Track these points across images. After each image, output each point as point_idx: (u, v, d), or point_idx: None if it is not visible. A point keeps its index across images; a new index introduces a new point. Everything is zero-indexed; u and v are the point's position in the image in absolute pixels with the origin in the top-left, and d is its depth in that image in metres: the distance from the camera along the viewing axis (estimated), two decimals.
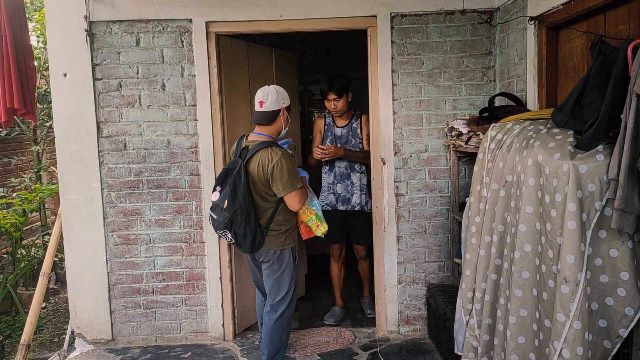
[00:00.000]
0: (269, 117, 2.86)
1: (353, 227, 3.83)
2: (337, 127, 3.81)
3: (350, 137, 3.79)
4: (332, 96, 3.65)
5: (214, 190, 2.85)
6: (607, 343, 1.85)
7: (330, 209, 3.80)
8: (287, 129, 2.99)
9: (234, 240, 2.83)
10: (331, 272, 3.96)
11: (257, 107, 2.88)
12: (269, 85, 2.92)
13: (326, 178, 3.81)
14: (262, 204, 2.84)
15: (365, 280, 4.05)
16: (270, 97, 2.84)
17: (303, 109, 7.83)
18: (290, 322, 3.06)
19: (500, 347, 2.20)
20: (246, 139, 2.94)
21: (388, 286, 3.56)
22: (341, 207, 3.79)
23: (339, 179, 3.78)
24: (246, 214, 2.75)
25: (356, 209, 3.77)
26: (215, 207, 2.84)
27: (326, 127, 3.82)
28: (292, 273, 2.97)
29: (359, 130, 3.79)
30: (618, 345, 1.84)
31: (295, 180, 2.79)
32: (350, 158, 3.72)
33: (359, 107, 3.84)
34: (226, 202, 2.75)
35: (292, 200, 2.82)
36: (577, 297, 1.78)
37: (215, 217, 2.83)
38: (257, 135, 2.90)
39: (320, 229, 2.98)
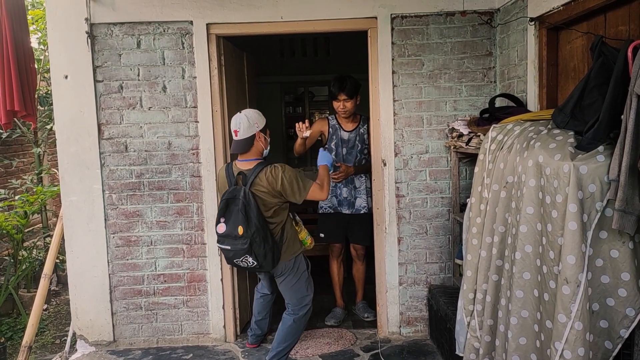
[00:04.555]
0: (246, 144, 2.93)
1: (353, 228, 3.83)
2: (345, 130, 3.80)
3: (357, 142, 3.79)
4: (342, 96, 3.63)
5: (218, 222, 2.88)
6: (608, 344, 1.85)
7: (332, 211, 3.81)
8: (268, 148, 3.04)
9: (255, 263, 2.83)
10: (331, 270, 3.96)
11: (233, 136, 2.96)
12: (240, 112, 2.98)
13: None
14: (273, 221, 2.90)
15: (360, 285, 4.04)
16: (242, 124, 2.91)
17: (303, 110, 7.85)
18: (305, 324, 3.15)
19: (501, 348, 2.20)
20: (236, 167, 2.98)
21: (389, 287, 3.56)
22: (346, 211, 3.80)
23: (344, 183, 3.78)
24: (263, 234, 2.80)
25: (362, 212, 3.79)
26: (224, 238, 2.85)
27: (331, 129, 3.80)
28: (307, 279, 3.11)
29: (365, 136, 3.80)
30: (619, 346, 1.84)
31: (304, 181, 2.90)
32: (359, 172, 3.78)
33: (359, 107, 3.84)
34: (241, 228, 2.78)
35: (314, 196, 2.93)
36: (578, 297, 1.78)
37: (229, 247, 2.84)
38: (246, 162, 2.94)
39: (311, 243, 3.21)
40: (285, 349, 3.04)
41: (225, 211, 2.86)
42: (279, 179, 2.82)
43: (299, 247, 3.05)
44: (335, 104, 3.70)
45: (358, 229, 3.82)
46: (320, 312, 4.06)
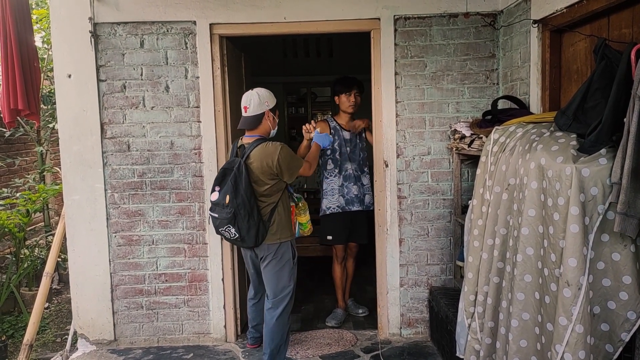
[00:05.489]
0: (254, 121, 2.98)
1: (357, 226, 3.85)
2: (346, 130, 3.84)
3: (358, 140, 3.89)
4: (355, 90, 3.78)
5: (213, 190, 2.94)
6: (609, 347, 1.85)
7: (340, 210, 3.81)
8: (275, 129, 3.10)
9: (237, 235, 2.88)
10: (334, 273, 3.97)
11: (243, 113, 3.01)
12: (252, 90, 3.03)
13: (335, 181, 3.81)
14: (264, 200, 2.94)
15: (348, 282, 4.06)
16: (252, 101, 2.97)
17: (306, 111, 7.85)
18: (290, 318, 3.12)
19: (502, 351, 2.20)
20: (241, 141, 3.07)
21: (390, 288, 3.56)
22: (356, 208, 3.82)
23: (353, 181, 3.81)
24: (248, 207, 2.84)
25: (371, 208, 3.85)
26: (215, 206, 2.92)
27: (332, 130, 3.82)
28: (292, 269, 3.07)
29: (364, 135, 3.91)
30: (620, 349, 1.84)
31: (296, 162, 2.99)
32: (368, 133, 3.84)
33: (361, 108, 3.86)
34: (228, 197, 2.84)
35: (302, 173, 3.03)
36: (579, 300, 1.78)
37: (216, 215, 2.90)
38: (250, 137, 3.02)
39: (310, 230, 3.26)
40: (277, 348, 3.02)
41: (221, 180, 2.92)
42: (275, 155, 2.86)
43: (288, 234, 3.03)
44: (345, 99, 3.78)
45: (362, 228, 3.86)
46: (322, 313, 4.07)
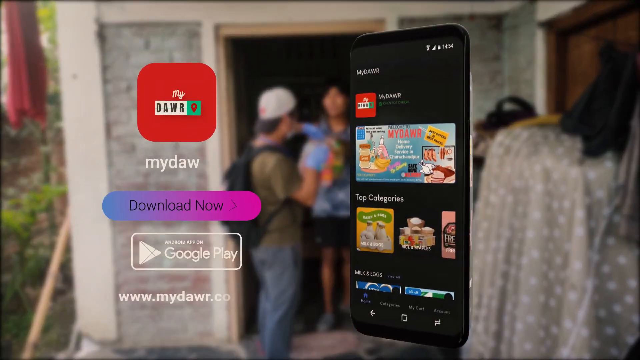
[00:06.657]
0: (270, 125, 2.86)
1: (348, 231, 3.81)
2: (334, 133, 3.80)
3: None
4: (334, 90, 3.65)
5: (222, 181, 2.97)
6: (614, 351, 1.84)
7: (325, 216, 3.78)
8: (292, 132, 3.02)
9: (229, 235, 2.92)
10: (323, 276, 3.94)
11: (260, 114, 2.92)
12: (271, 90, 2.93)
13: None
14: (264, 206, 2.89)
15: (349, 286, 4.02)
16: (270, 104, 2.85)
17: (310, 112, 7.86)
18: (292, 323, 3.09)
19: (506, 354, 2.19)
20: (253, 142, 3.02)
21: None
22: (343, 213, 3.78)
23: (340, 186, 3.77)
24: None
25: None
26: None
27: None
28: (293, 274, 3.01)
29: None
30: (626, 354, 1.83)
31: (290, 184, 2.80)
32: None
33: None
34: None
35: (297, 200, 2.89)
36: (584, 304, 1.77)
37: None
38: (261, 140, 2.95)
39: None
40: (278, 351, 2.99)
41: (229, 175, 2.90)
42: (269, 165, 2.77)
43: (290, 239, 2.96)
44: (326, 102, 3.69)
45: None
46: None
